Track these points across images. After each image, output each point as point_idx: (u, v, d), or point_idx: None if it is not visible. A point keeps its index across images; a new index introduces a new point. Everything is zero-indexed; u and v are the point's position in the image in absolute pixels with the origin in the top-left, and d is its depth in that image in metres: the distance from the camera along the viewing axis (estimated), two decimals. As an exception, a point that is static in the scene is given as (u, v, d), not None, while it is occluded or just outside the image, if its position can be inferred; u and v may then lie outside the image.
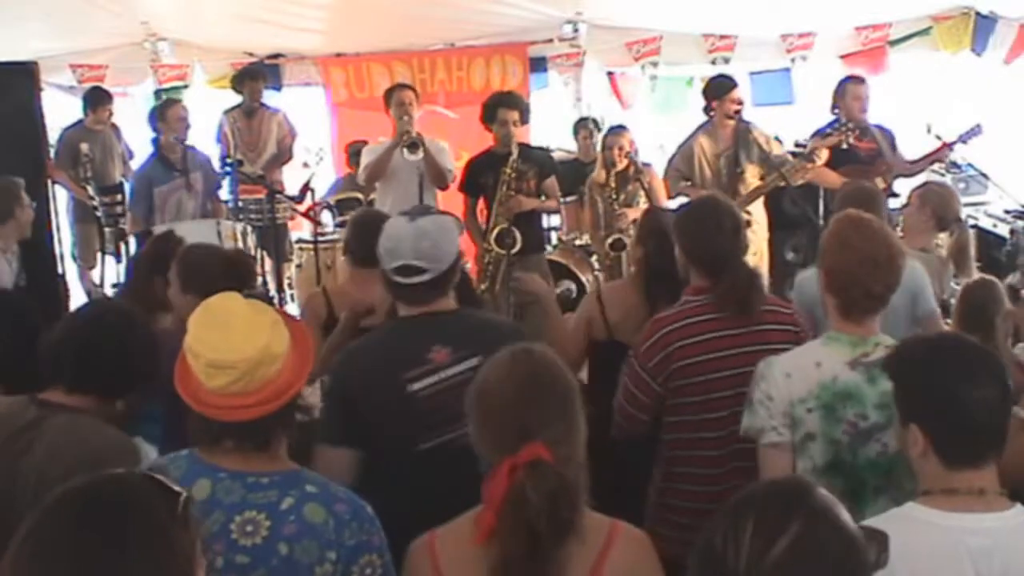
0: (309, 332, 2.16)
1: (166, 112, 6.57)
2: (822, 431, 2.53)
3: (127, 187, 7.76)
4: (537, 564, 1.81)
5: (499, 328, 2.85)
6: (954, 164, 7.67)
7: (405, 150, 6.00)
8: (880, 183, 5.85)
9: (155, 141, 6.61)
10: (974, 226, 7.36)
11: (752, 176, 6.16)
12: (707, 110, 6.32)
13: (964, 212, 7.42)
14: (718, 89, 6.32)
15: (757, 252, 5.78)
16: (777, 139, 6.57)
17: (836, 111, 6.20)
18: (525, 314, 5.98)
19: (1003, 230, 7.00)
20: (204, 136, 7.32)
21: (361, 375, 2.71)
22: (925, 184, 4.80)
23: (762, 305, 3.05)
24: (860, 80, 6.34)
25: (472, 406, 2.00)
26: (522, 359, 2.00)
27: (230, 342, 1.94)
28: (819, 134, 6.13)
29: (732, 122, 6.23)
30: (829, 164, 6.02)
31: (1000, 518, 1.90)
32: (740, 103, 6.25)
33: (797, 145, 7.11)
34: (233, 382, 1.94)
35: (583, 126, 7.91)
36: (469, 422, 2.01)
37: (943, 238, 5.16)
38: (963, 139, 6.14)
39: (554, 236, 7.73)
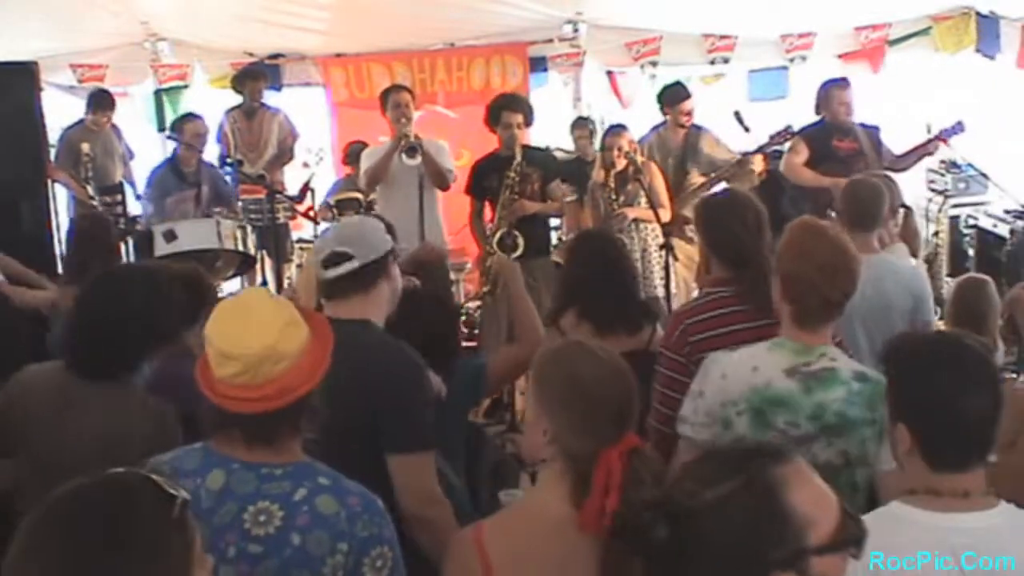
0: (330, 337, 2.14)
1: (185, 126, 6.64)
2: (750, 435, 2.53)
3: (127, 187, 7.80)
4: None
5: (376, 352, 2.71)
6: (954, 164, 7.67)
7: (404, 155, 6.00)
8: None
9: (175, 151, 6.66)
10: (974, 226, 7.38)
11: (696, 179, 6.39)
12: (662, 112, 6.61)
13: (964, 212, 7.52)
14: (671, 98, 6.59)
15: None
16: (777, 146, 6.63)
17: (821, 114, 6.29)
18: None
19: (1003, 230, 7.00)
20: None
21: None
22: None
23: None
24: (844, 84, 6.39)
25: (562, 401, 2.00)
26: (603, 352, 2.05)
27: (239, 335, 1.98)
28: (804, 132, 6.26)
29: (683, 130, 6.50)
30: (808, 163, 6.11)
31: (983, 517, 1.90)
32: (690, 114, 6.52)
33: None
34: (238, 374, 1.98)
35: (580, 126, 7.91)
36: (551, 419, 2.00)
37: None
38: (943, 135, 6.16)
39: (554, 236, 7.72)
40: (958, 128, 6.13)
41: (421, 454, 2.64)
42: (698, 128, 6.54)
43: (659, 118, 6.71)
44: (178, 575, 1.39)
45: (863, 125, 6.24)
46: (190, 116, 6.97)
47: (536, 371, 2.09)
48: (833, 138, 6.16)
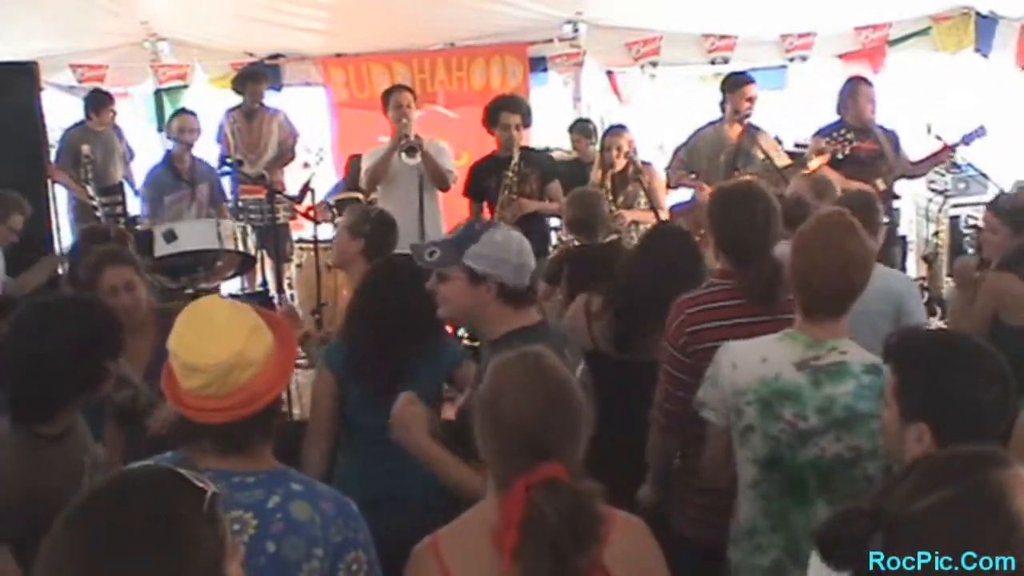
0: (292, 338, 2.16)
1: (172, 122, 6.69)
2: (759, 425, 2.55)
3: (127, 187, 7.81)
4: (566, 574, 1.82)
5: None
6: (954, 164, 7.66)
7: (403, 154, 6.00)
8: (880, 184, 5.86)
9: (168, 151, 6.68)
10: (974, 226, 7.38)
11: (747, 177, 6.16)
12: (722, 105, 6.34)
13: (964, 212, 7.53)
14: (734, 83, 6.34)
15: None
16: (778, 139, 6.57)
17: (842, 112, 6.15)
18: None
19: (1003, 230, 6.98)
20: (204, 136, 7.33)
21: None
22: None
23: (787, 295, 2.99)
24: (868, 81, 6.32)
25: (482, 418, 1.95)
26: (537, 372, 1.94)
27: (205, 345, 1.97)
28: (820, 134, 6.09)
29: (741, 124, 6.22)
30: (829, 164, 6.02)
31: None
32: (751, 100, 6.23)
33: (797, 146, 7.07)
34: (206, 385, 1.96)
35: (579, 129, 7.90)
36: (478, 438, 1.96)
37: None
38: (966, 140, 6.11)
39: (554, 236, 7.72)
40: (980, 132, 6.05)
41: None
42: (755, 128, 6.28)
43: (658, 117, 6.67)
44: (210, 568, 1.38)
45: (882, 128, 6.15)
46: (180, 112, 6.99)
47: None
48: (854, 139, 6.11)
